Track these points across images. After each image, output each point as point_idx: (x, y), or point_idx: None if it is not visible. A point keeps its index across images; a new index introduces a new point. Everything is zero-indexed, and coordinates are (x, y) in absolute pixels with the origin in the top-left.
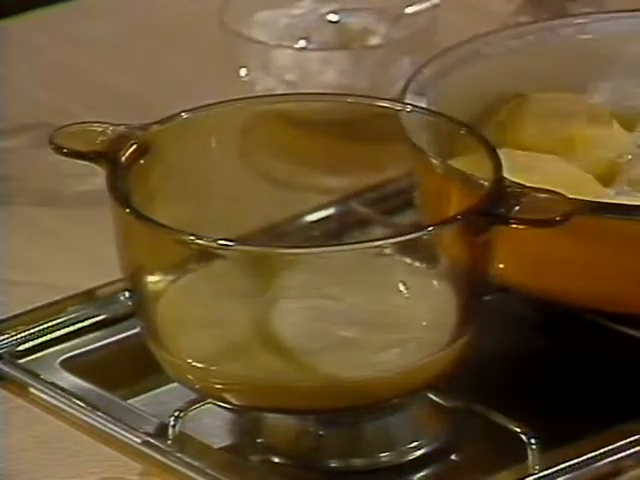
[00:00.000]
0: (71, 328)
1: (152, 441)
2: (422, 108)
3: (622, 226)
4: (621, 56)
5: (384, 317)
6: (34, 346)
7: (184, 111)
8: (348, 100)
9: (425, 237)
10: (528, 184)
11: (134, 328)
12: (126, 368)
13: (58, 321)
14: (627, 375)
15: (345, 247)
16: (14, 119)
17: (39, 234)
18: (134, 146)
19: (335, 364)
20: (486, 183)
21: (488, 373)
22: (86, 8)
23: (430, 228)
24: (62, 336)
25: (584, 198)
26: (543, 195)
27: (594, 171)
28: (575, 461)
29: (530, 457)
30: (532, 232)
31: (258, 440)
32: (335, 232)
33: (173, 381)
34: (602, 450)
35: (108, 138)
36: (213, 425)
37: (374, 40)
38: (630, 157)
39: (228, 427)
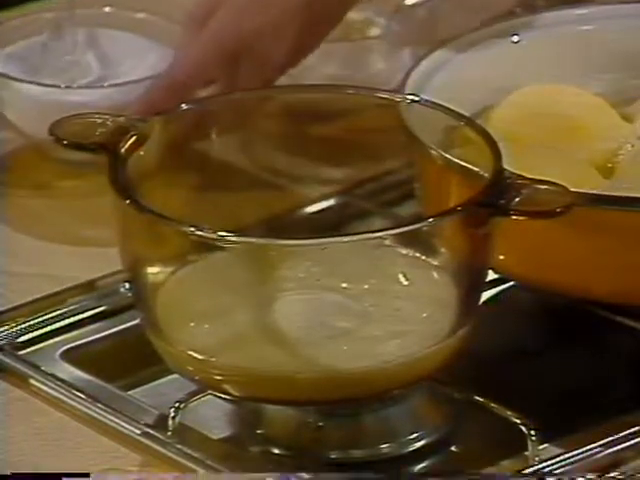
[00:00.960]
0: (71, 319)
1: (152, 432)
2: (422, 100)
3: (622, 217)
4: (622, 47)
5: (384, 308)
6: (34, 338)
7: (184, 103)
8: (348, 92)
9: (425, 228)
10: (528, 175)
11: (134, 319)
12: (126, 359)
13: (58, 312)
14: (627, 366)
15: (345, 238)
16: None
17: (39, 225)
18: (134, 137)
19: (335, 355)
20: (486, 174)
21: (488, 364)
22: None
23: (430, 219)
24: (62, 327)
25: (584, 190)
26: (543, 186)
27: (594, 163)
28: (575, 452)
29: (530, 448)
30: (532, 223)
31: (258, 431)
32: (335, 223)
33: (173, 372)
34: (602, 441)
35: (108, 129)
36: (213, 416)
37: (374, 32)
38: (630, 148)
39: (228, 418)
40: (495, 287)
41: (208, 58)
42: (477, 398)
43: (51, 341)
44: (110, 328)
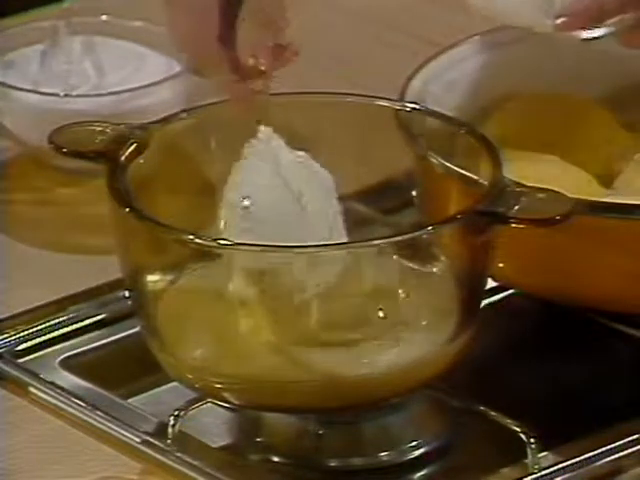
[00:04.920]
0: (71, 327)
1: (152, 440)
2: (422, 107)
3: (622, 226)
4: (622, 55)
5: (384, 316)
6: (34, 345)
7: (184, 110)
8: (348, 99)
9: (425, 236)
10: (528, 183)
11: (134, 327)
12: (126, 367)
13: (58, 320)
14: (626, 374)
15: (345, 246)
16: None
17: (38, 233)
18: (134, 145)
19: (335, 363)
20: (486, 182)
21: (488, 372)
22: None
23: (430, 227)
24: (62, 335)
25: (584, 198)
26: (543, 195)
27: (594, 171)
28: (575, 460)
29: (530, 456)
30: (532, 231)
31: (257, 439)
32: None
33: (173, 380)
34: (602, 449)
35: (108, 137)
36: (213, 424)
37: None
38: (629, 157)
39: (227, 426)
40: (494, 295)
41: None
42: (476, 406)
43: (51, 349)
44: (110, 336)
